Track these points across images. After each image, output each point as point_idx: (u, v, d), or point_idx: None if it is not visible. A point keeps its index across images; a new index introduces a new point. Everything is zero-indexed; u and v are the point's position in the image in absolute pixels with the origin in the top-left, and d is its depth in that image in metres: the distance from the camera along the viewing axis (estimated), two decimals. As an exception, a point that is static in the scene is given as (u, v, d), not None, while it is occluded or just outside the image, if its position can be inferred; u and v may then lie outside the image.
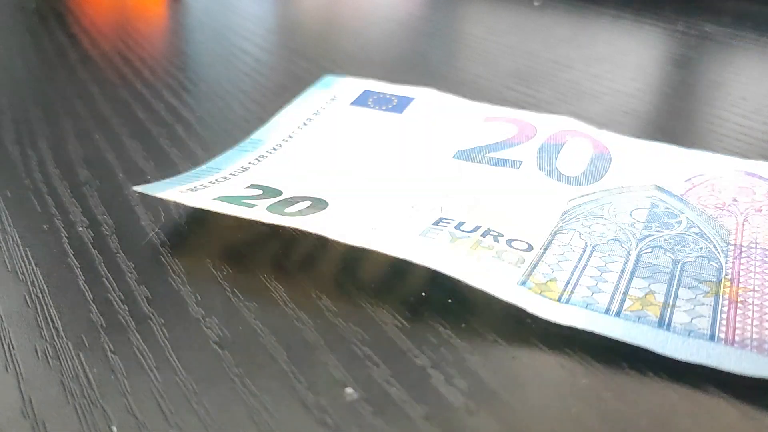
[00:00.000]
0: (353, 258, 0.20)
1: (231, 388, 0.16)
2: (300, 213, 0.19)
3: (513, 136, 0.25)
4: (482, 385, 0.16)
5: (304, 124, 0.26)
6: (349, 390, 0.15)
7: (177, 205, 0.22)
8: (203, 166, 0.23)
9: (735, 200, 0.21)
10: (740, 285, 0.18)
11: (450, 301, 0.18)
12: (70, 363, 0.16)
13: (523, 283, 0.17)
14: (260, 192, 0.21)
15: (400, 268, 0.19)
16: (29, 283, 0.19)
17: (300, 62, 0.37)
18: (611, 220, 0.20)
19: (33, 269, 0.20)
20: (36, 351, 0.17)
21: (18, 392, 0.15)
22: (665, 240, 0.19)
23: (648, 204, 0.21)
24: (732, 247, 0.19)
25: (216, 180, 0.22)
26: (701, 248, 0.19)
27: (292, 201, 0.20)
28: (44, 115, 0.30)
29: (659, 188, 0.22)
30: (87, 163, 0.26)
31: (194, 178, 0.22)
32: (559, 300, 0.17)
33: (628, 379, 0.16)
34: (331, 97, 0.28)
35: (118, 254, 0.20)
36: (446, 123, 0.26)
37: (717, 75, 0.35)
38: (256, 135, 0.26)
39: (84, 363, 0.16)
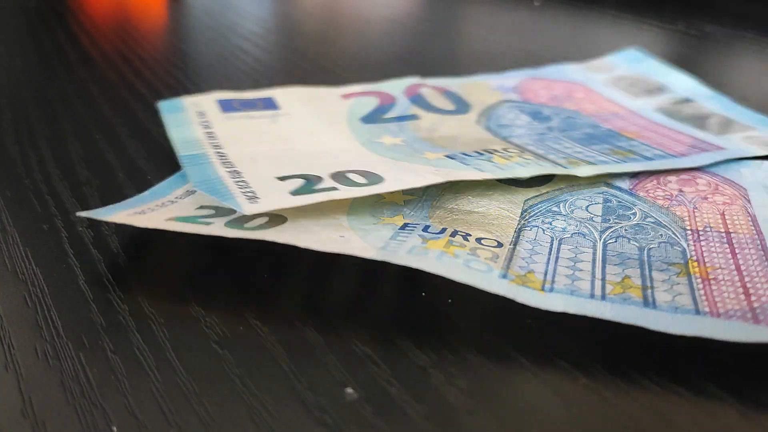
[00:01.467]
0: (353, 259, 0.20)
1: (231, 388, 0.16)
2: (261, 227, 0.19)
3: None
4: (482, 385, 0.16)
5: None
6: (349, 390, 0.15)
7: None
8: (146, 192, 0.22)
9: (681, 191, 0.23)
10: (707, 264, 0.19)
11: (450, 301, 0.18)
12: (70, 363, 0.16)
13: (504, 276, 0.18)
14: (213, 212, 0.20)
15: (399, 269, 0.19)
16: (29, 283, 0.19)
17: (300, 62, 0.37)
18: (569, 216, 0.21)
19: (33, 269, 0.20)
20: (36, 351, 0.17)
21: (18, 392, 0.15)
22: (626, 230, 0.21)
23: (601, 199, 0.22)
24: (689, 232, 0.20)
25: (163, 203, 0.21)
26: (661, 235, 0.20)
27: (250, 217, 0.20)
28: (44, 115, 0.30)
29: (608, 184, 0.23)
30: (87, 163, 0.26)
31: (139, 202, 0.21)
32: (543, 289, 0.17)
33: (628, 379, 0.16)
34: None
35: (118, 254, 0.20)
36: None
37: (717, 75, 0.35)
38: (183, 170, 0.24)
39: (84, 363, 0.16)
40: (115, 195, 0.23)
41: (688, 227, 0.21)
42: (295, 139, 0.25)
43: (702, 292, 0.17)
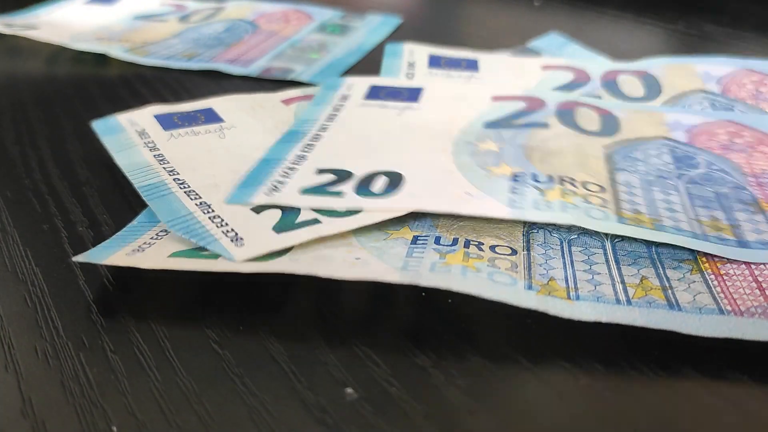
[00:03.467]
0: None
1: (231, 388, 0.16)
2: (272, 257, 0.18)
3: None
4: (482, 385, 0.16)
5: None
6: (349, 390, 0.15)
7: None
8: (135, 222, 0.21)
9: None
10: (716, 258, 0.19)
11: (450, 301, 0.18)
12: (70, 363, 0.16)
13: (530, 287, 0.17)
14: None
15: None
16: (29, 283, 0.19)
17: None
18: None
19: (33, 269, 0.20)
20: (36, 351, 0.17)
21: (18, 392, 0.15)
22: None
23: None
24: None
25: (158, 235, 0.20)
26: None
27: None
28: (44, 115, 0.30)
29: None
30: (87, 163, 0.26)
31: (133, 236, 0.20)
32: (569, 298, 0.17)
33: (628, 379, 0.16)
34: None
35: (118, 254, 0.20)
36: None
37: (717, 75, 0.35)
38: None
39: (84, 363, 0.16)
40: (114, 195, 0.23)
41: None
42: (251, 157, 0.24)
43: (719, 289, 0.17)
